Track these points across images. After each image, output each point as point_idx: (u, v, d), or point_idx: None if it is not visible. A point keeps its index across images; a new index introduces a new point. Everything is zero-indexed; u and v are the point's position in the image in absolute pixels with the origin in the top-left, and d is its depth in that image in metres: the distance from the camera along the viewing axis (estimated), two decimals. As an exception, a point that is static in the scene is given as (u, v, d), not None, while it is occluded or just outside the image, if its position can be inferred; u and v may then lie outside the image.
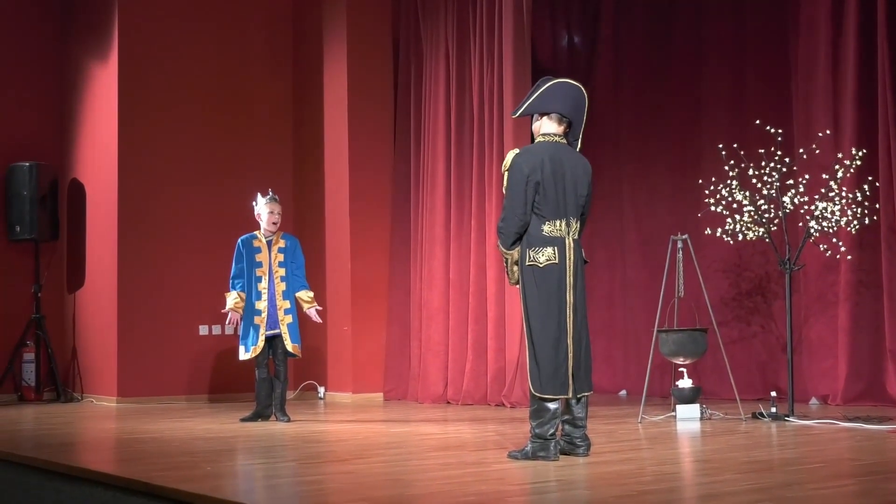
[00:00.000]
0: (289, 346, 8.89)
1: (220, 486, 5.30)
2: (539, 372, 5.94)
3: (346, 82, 11.42)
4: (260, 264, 8.98)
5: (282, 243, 9.04)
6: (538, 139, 6.20)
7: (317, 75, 11.86)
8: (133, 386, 11.07)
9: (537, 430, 5.91)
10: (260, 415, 8.90)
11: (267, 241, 9.03)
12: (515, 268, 6.10)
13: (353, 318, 11.24)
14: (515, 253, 6.06)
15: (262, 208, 9.04)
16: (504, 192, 6.13)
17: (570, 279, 6.00)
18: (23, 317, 11.70)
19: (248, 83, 12.03)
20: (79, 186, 11.99)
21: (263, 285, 8.94)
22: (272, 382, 8.93)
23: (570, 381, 5.94)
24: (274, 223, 9.05)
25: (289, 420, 8.77)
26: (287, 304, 8.92)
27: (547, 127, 6.17)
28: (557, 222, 6.00)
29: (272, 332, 8.90)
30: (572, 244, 6.03)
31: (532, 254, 6.00)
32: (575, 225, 6.08)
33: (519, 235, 6.03)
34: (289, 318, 8.92)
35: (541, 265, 5.98)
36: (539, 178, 5.97)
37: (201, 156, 11.66)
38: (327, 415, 9.77)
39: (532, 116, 6.29)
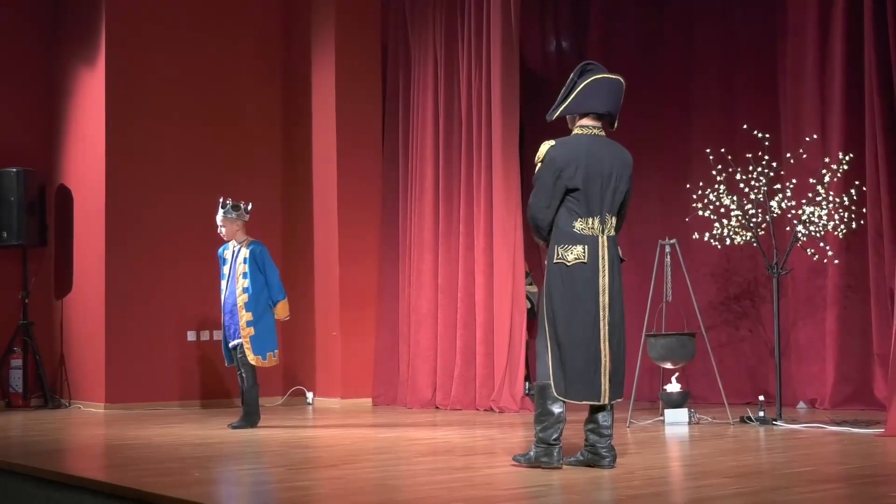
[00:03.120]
0: (250, 358, 8.68)
1: (210, 492, 5.30)
2: (564, 375, 5.64)
3: (334, 88, 11.41)
4: (224, 276, 8.94)
5: (245, 253, 8.82)
6: (575, 131, 5.90)
7: (305, 81, 11.85)
8: (121, 392, 11.04)
9: (541, 435, 5.67)
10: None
11: (234, 251, 8.91)
12: None
13: (342, 323, 11.23)
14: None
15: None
16: (533, 182, 5.85)
17: (605, 280, 5.71)
18: (10, 323, 11.67)
19: (236, 90, 12.02)
20: (66, 193, 11.97)
21: (224, 295, 8.87)
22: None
23: (606, 386, 5.67)
24: (221, 235, 8.93)
25: (244, 427, 8.60)
26: (249, 316, 8.70)
27: (585, 120, 5.90)
28: (591, 220, 5.72)
29: (235, 342, 8.78)
30: (606, 242, 5.73)
31: (560, 251, 5.71)
32: (611, 222, 5.77)
33: (549, 227, 5.75)
34: (251, 331, 8.69)
35: (568, 263, 5.69)
36: (573, 174, 5.70)
37: (189, 162, 11.64)
38: (316, 420, 9.77)
39: None
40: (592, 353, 5.66)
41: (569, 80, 5.94)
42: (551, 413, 5.66)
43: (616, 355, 5.73)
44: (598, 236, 5.73)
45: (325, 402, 11.33)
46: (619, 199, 5.84)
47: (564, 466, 5.72)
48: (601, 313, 5.70)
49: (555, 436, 5.66)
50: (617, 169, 5.82)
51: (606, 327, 5.70)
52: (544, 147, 5.82)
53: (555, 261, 5.75)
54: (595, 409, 5.76)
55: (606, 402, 5.69)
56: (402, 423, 9.17)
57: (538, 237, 5.89)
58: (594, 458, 5.75)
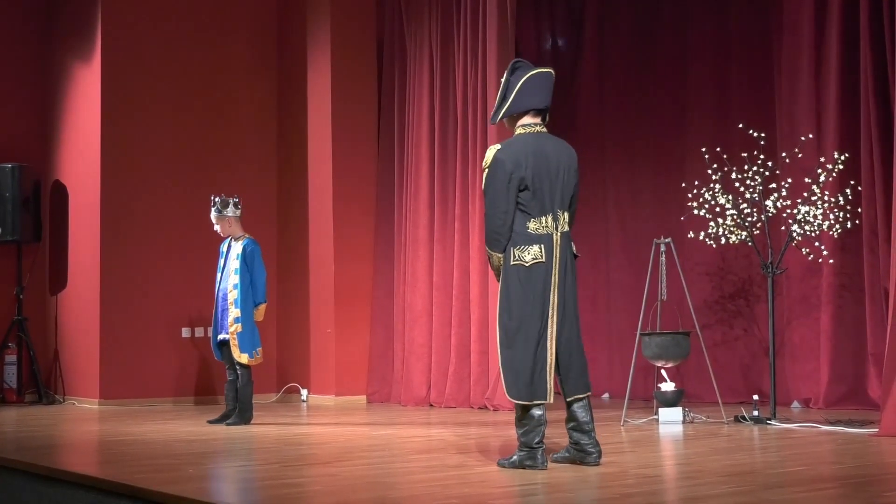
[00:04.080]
0: (236, 355, 8.70)
1: (203, 489, 5.30)
2: (518, 377, 5.65)
3: (329, 85, 11.40)
4: (220, 268, 8.95)
5: (238, 249, 8.85)
6: (517, 131, 5.91)
7: (301, 78, 11.83)
8: (115, 388, 11.03)
9: (523, 439, 5.65)
10: (227, 416, 8.84)
11: (230, 245, 8.95)
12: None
13: (337, 320, 11.22)
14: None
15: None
16: (484, 190, 5.84)
17: (556, 277, 5.70)
18: (5, 319, 11.65)
19: (232, 86, 12.00)
20: (61, 188, 11.96)
21: (217, 288, 8.91)
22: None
23: (550, 385, 5.64)
24: (218, 232, 8.97)
25: (239, 424, 8.63)
26: (237, 313, 8.71)
27: (525, 118, 5.90)
28: (544, 218, 5.71)
29: (222, 337, 8.81)
30: (560, 239, 5.73)
31: (517, 252, 5.70)
32: (563, 217, 5.77)
33: (509, 234, 5.73)
34: (238, 328, 8.70)
35: (527, 264, 5.68)
36: (523, 174, 5.68)
37: (184, 158, 11.63)
38: (310, 417, 9.76)
39: None
40: (539, 352, 5.66)
41: (503, 81, 5.96)
42: (532, 417, 5.65)
43: (569, 352, 5.72)
44: (552, 234, 5.74)
45: (319, 399, 11.32)
46: (570, 195, 5.84)
47: (551, 465, 5.70)
48: (550, 311, 5.69)
49: (537, 439, 5.64)
50: (564, 164, 5.83)
51: (555, 325, 5.69)
52: (490, 152, 5.83)
53: (512, 263, 5.73)
54: (571, 406, 5.75)
55: (551, 400, 5.66)
56: (396, 420, 9.17)
57: (496, 249, 5.77)
58: (580, 455, 5.75)
